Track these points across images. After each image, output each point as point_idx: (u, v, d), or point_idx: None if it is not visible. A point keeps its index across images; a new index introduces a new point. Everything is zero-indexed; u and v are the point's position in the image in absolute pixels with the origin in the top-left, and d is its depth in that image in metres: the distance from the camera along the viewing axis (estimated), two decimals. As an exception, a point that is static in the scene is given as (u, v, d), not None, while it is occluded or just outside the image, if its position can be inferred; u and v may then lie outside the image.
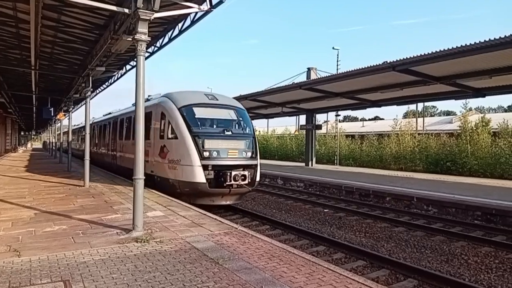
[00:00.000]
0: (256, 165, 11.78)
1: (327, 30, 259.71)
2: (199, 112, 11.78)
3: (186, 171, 10.83)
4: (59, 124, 33.05)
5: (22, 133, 69.77)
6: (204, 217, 8.26)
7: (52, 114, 23.85)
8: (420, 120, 36.45)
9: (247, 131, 12.38)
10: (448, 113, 68.68)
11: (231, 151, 11.19)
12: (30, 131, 69.83)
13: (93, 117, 27.51)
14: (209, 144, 10.98)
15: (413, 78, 15.58)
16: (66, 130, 29.87)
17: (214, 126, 11.97)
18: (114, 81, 18.74)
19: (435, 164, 25.84)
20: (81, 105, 27.14)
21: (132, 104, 15.62)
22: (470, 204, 11.87)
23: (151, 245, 6.05)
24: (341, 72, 18.67)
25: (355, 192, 15.85)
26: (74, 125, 36.98)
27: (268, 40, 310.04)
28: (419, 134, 31.61)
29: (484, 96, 17.92)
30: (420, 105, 36.45)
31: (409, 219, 11.67)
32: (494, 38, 10.80)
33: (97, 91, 21.86)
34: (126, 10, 7.16)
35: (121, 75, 16.72)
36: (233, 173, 10.73)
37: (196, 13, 8.77)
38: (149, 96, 15.03)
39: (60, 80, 17.72)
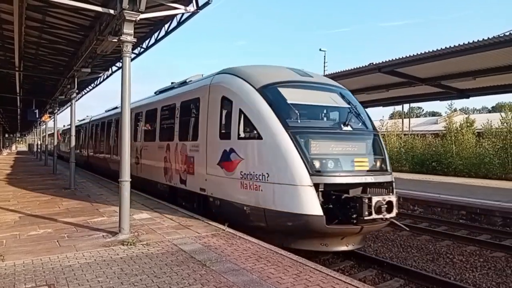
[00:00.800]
0: (392, 182, 7.34)
1: (315, 31, 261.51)
2: (292, 96, 7.47)
3: (283, 194, 6.65)
4: (44, 126, 32.45)
5: (6, 136, 68.55)
6: (191, 219, 8.21)
7: (37, 116, 23.53)
8: (406, 121, 36.90)
9: (368, 125, 8.00)
10: (433, 114, 69.79)
11: (358, 160, 6.99)
12: (14, 133, 68.78)
13: (87, 115, 26.82)
14: (318, 147, 6.81)
15: (398, 80, 15.73)
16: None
17: (319, 118, 7.94)
18: (100, 83, 18.63)
19: (421, 164, 26.15)
20: (67, 107, 26.76)
21: (157, 92, 13.32)
22: (455, 203, 12.05)
23: (137, 248, 6.00)
24: (327, 74, 18.76)
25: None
26: (64, 125, 35.98)
27: (255, 40, 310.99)
28: (405, 134, 32.02)
29: (468, 97, 18.20)
30: (406, 106, 36.96)
31: (395, 219, 11.76)
32: (478, 40, 10.95)
33: (83, 93, 21.63)
34: (112, 11, 7.10)
35: (107, 77, 16.57)
36: (374, 199, 6.37)
37: (183, 14, 8.74)
38: (174, 80, 12.58)
39: (45, 81, 17.47)
